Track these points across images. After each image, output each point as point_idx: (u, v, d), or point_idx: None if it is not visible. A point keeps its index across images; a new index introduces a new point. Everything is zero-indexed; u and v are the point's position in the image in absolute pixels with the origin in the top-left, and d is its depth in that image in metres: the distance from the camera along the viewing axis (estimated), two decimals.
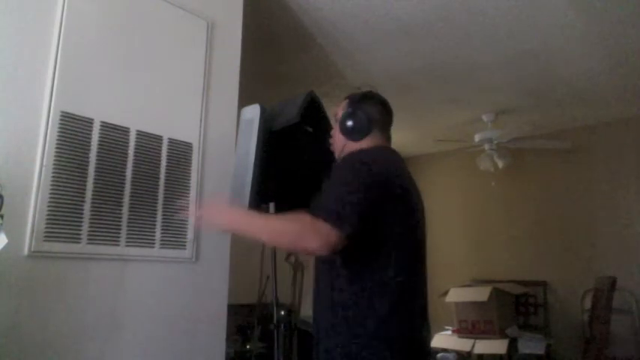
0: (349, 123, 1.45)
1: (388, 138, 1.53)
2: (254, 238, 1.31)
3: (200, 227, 1.68)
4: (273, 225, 1.30)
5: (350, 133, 1.46)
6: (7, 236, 1.26)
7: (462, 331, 3.97)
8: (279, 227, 1.27)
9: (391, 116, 1.54)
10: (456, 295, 4.06)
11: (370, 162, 1.31)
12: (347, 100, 1.52)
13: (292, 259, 4.23)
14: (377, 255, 1.26)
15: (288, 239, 1.25)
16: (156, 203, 1.86)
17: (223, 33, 2.23)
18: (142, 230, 1.81)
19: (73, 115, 1.67)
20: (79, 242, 1.63)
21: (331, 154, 1.57)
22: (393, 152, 1.45)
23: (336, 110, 1.55)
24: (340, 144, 1.49)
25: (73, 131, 1.66)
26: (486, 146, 4.39)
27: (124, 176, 1.78)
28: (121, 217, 1.75)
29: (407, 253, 1.30)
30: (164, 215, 1.88)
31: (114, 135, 1.77)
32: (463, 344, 3.87)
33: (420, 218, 1.38)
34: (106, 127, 1.75)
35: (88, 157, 1.68)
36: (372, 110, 1.48)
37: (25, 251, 1.52)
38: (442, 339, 4.10)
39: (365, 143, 1.44)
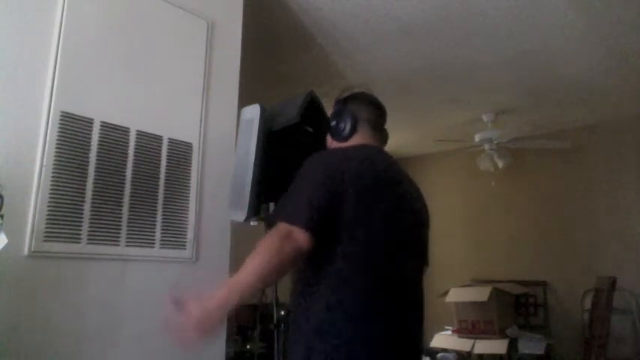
0: (332, 124, 1.45)
1: (380, 136, 1.49)
2: (255, 288, 1.22)
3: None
4: (253, 261, 1.18)
5: (334, 134, 1.45)
6: (7, 236, 1.26)
7: (462, 331, 3.97)
8: (257, 259, 1.17)
9: (383, 114, 1.51)
10: (456, 295, 4.06)
11: (325, 161, 1.29)
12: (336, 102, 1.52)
13: None
14: (329, 255, 1.21)
15: (271, 261, 1.15)
16: (156, 203, 1.86)
17: (223, 33, 2.23)
18: (142, 230, 1.81)
19: (73, 115, 1.67)
20: (79, 242, 1.63)
21: None
22: (372, 151, 1.39)
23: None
24: (329, 144, 1.49)
25: (73, 131, 1.66)
26: (486, 146, 4.39)
27: (124, 176, 1.78)
28: (121, 217, 1.75)
29: (367, 256, 1.23)
30: (164, 215, 1.88)
31: (114, 135, 1.77)
32: (463, 344, 3.86)
33: (400, 217, 1.31)
34: (106, 127, 1.75)
35: (88, 157, 1.68)
36: (359, 110, 1.45)
37: (25, 251, 1.52)
38: (442, 339, 4.10)
39: (350, 143, 1.42)
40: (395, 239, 1.28)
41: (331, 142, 1.48)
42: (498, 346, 3.66)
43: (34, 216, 1.54)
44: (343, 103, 1.48)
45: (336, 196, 1.20)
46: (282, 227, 1.16)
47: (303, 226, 1.14)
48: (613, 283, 3.28)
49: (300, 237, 1.14)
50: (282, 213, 1.21)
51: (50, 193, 1.58)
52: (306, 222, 1.15)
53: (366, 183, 1.26)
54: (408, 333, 1.28)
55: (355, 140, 1.43)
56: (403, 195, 1.36)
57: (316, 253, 1.19)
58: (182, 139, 1.98)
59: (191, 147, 2.01)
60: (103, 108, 1.76)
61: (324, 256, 1.21)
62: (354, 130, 1.43)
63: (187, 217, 1.95)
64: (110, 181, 1.74)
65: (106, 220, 1.71)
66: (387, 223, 1.26)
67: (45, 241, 1.55)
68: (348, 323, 1.18)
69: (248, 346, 3.68)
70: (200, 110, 2.07)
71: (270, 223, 1.24)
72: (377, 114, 1.50)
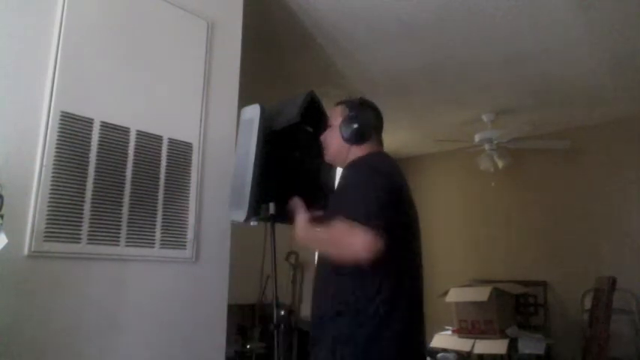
0: (354, 126, 1.47)
1: (381, 143, 1.56)
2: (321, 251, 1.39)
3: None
4: (326, 239, 1.33)
5: (354, 138, 1.47)
6: (7, 236, 1.26)
7: (462, 331, 3.97)
8: (329, 241, 1.31)
9: (382, 122, 1.57)
10: (456, 295, 4.05)
11: (386, 172, 1.36)
12: (342, 106, 1.54)
13: (292, 259, 4.23)
14: (384, 263, 1.25)
15: (338, 249, 1.26)
16: (156, 203, 1.86)
17: (223, 33, 2.23)
18: (142, 230, 1.81)
19: (73, 115, 1.67)
20: (79, 242, 1.63)
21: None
22: (394, 160, 1.49)
23: (330, 116, 1.56)
24: (341, 148, 1.51)
25: (73, 131, 1.66)
26: (486, 146, 4.39)
27: (124, 176, 1.78)
28: (121, 217, 1.75)
29: (407, 263, 1.35)
30: (164, 215, 1.88)
31: (114, 135, 1.77)
32: (463, 344, 3.86)
33: (417, 229, 1.42)
34: (106, 127, 1.75)
35: (88, 157, 1.68)
36: (370, 116, 1.51)
37: (25, 251, 1.52)
38: (442, 339, 4.09)
39: (367, 147, 1.47)
40: (416, 245, 1.39)
41: (344, 145, 1.50)
42: (498, 346, 3.66)
43: (34, 216, 1.54)
44: (359, 106, 1.51)
45: (395, 209, 1.28)
46: (360, 229, 1.18)
47: (381, 234, 1.18)
48: (613, 283, 3.28)
49: (375, 243, 1.17)
50: (361, 215, 1.22)
51: (50, 193, 1.58)
52: (384, 232, 1.18)
53: (406, 196, 1.37)
54: (420, 333, 1.37)
55: (370, 146, 1.48)
56: (414, 204, 1.44)
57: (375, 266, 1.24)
58: (182, 139, 1.98)
59: (191, 147, 2.01)
60: (103, 108, 1.76)
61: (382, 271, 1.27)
62: (370, 135, 1.49)
63: (187, 217, 1.95)
64: (110, 181, 1.74)
65: (106, 220, 1.71)
66: (412, 232, 1.38)
67: (45, 241, 1.55)
68: (374, 328, 1.25)
69: (248, 346, 3.68)
70: (200, 110, 2.07)
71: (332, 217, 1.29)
72: (381, 121, 1.56)
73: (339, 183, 1.45)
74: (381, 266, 1.24)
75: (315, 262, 1.48)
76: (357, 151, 1.47)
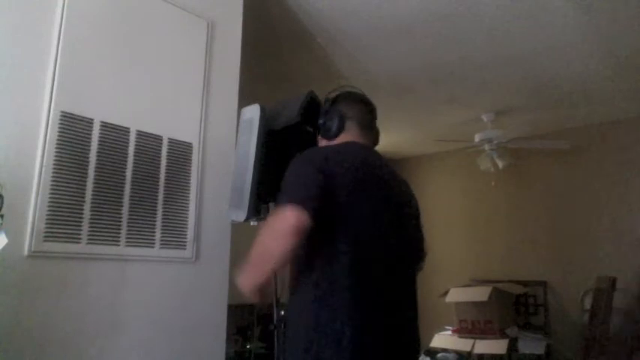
0: (320, 122, 1.48)
1: (370, 134, 1.50)
2: (263, 276, 1.25)
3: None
4: (254, 254, 1.22)
5: (323, 133, 1.48)
6: (7, 236, 1.26)
7: (462, 331, 3.97)
8: (258, 246, 1.21)
9: (372, 112, 1.52)
10: (456, 295, 4.06)
11: (318, 158, 1.29)
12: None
13: None
14: (320, 253, 1.22)
15: (269, 244, 1.18)
16: (156, 203, 1.86)
17: (223, 33, 2.23)
18: (142, 230, 1.81)
19: (73, 115, 1.67)
20: (79, 242, 1.63)
21: None
22: (353, 148, 1.40)
23: None
24: (320, 143, 1.51)
25: (73, 131, 1.66)
26: (486, 146, 4.39)
27: (124, 176, 1.78)
28: (121, 217, 1.75)
29: (359, 249, 1.24)
30: (164, 215, 1.88)
31: (114, 135, 1.77)
32: (463, 344, 3.86)
33: (381, 212, 1.31)
34: (106, 127, 1.75)
35: (88, 157, 1.68)
36: (347, 109, 1.47)
37: (25, 251, 1.52)
38: (442, 339, 4.09)
39: (338, 141, 1.45)
40: (378, 235, 1.28)
41: (320, 141, 1.51)
42: (498, 346, 3.66)
43: (34, 216, 1.54)
44: (331, 102, 1.50)
45: (325, 191, 1.21)
46: (282, 211, 1.15)
47: (306, 207, 1.14)
48: (613, 283, 3.28)
49: (301, 218, 1.12)
50: (282, 199, 1.19)
51: (50, 193, 1.58)
52: (304, 201, 1.15)
53: (344, 181, 1.26)
54: (398, 331, 1.27)
55: (342, 139, 1.45)
56: (384, 189, 1.36)
57: (309, 249, 1.21)
58: (182, 139, 1.98)
59: (191, 147, 2.01)
60: (103, 108, 1.76)
61: (315, 253, 1.23)
62: (341, 129, 1.45)
63: (187, 217, 1.95)
64: (110, 181, 1.74)
65: (106, 220, 1.71)
66: (367, 219, 1.27)
67: (45, 241, 1.55)
68: (337, 321, 1.18)
69: (248, 346, 3.68)
70: (200, 110, 2.07)
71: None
72: (365, 112, 1.51)
73: None
74: (316, 253, 1.22)
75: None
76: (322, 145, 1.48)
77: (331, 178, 1.23)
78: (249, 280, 1.24)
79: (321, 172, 1.23)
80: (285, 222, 1.14)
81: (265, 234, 1.19)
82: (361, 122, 1.48)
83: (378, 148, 1.55)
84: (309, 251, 1.23)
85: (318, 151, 1.39)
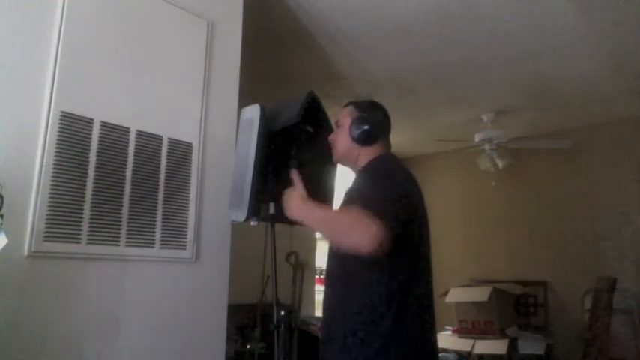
0: (364, 128, 1.46)
1: (389, 144, 1.56)
2: (316, 231, 1.36)
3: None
4: (328, 218, 1.32)
5: (363, 139, 1.47)
6: (7, 236, 1.26)
7: (462, 331, 3.97)
8: (332, 221, 1.29)
9: (390, 123, 1.57)
10: (456, 295, 4.06)
11: (399, 177, 1.36)
12: (351, 107, 1.54)
13: (292, 259, 4.23)
14: (395, 265, 1.27)
15: (341, 232, 1.24)
16: (156, 203, 1.86)
17: (223, 33, 2.23)
18: (142, 230, 1.81)
19: (73, 115, 1.67)
20: (79, 242, 1.63)
21: (331, 153, 1.58)
22: (404, 165, 1.48)
23: (338, 117, 1.56)
24: (350, 149, 1.50)
25: (73, 131, 1.66)
26: (486, 146, 4.39)
27: (124, 176, 1.78)
28: (121, 217, 1.75)
29: (418, 264, 1.34)
30: (164, 215, 1.88)
31: (114, 135, 1.77)
32: (463, 344, 3.86)
33: (427, 234, 1.40)
34: (106, 127, 1.75)
35: (88, 157, 1.68)
36: (380, 117, 1.51)
37: (25, 251, 1.52)
38: (442, 339, 4.09)
39: (376, 149, 1.47)
40: (425, 250, 1.38)
41: (353, 147, 1.49)
42: (498, 346, 3.66)
43: (34, 216, 1.54)
44: (369, 107, 1.51)
45: (407, 213, 1.26)
46: (370, 219, 1.14)
47: (392, 228, 1.15)
48: (613, 283, 3.28)
49: (382, 236, 1.13)
50: (372, 208, 1.17)
51: (50, 193, 1.58)
52: (395, 226, 1.17)
53: (420, 201, 1.36)
54: (433, 336, 1.35)
55: (379, 147, 1.48)
56: (425, 207, 1.42)
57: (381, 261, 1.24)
58: (182, 139, 1.98)
59: (191, 147, 2.01)
60: (103, 108, 1.76)
61: (388, 266, 1.27)
62: (379, 138, 1.49)
63: (187, 217, 1.95)
64: (110, 181, 1.74)
65: (106, 220, 1.71)
66: (422, 237, 1.36)
67: (45, 241, 1.55)
68: (388, 328, 1.24)
69: (248, 346, 3.67)
70: (200, 110, 2.07)
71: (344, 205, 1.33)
72: (389, 122, 1.56)
73: (353, 186, 1.45)
74: (393, 268, 1.26)
75: (326, 260, 1.47)
76: (367, 153, 1.47)
77: (413, 202, 1.32)
78: (306, 216, 1.35)
79: (410, 196, 1.31)
80: (366, 235, 1.13)
81: (353, 221, 1.19)
82: (388, 133, 1.54)
83: None
84: (382, 264, 1.26)
85: (404, 167, 1.44)
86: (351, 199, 1.37)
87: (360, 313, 1.27)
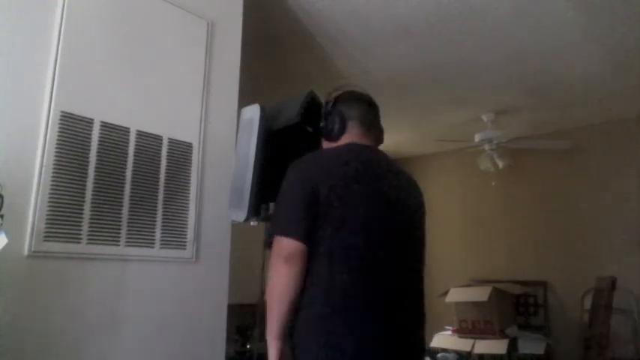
0: (322, 125, 1.47)
1: (373, 133, 1.49)
2: (282, 317, 1.24)
3: None
4: (268, 296, 1.26)
5: (325, 135, 1.48)
6: (7, 236, 1.26)
7: (462, 331, 3.97)
8: (270, 289, 1.25)
9: (374, 111, 1.51)
10: (456, 295, 4.06)
11: (297, 169, 1.33)
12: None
13: None
14: (315, 259, 1.24)
15: (277, 283, 1.23)
16: (156, 203, 1.86)
17: (223, 33, 2.23)
18: (142, 230, 1.81)
19: (73, 115, 1.67)
20: (79, 242, 1.63)
21: None
22: (354, 149, 1.39)
23: None
24: (324, 145, 1.50)
25: (73, 131, 1.66)
26: (486, 146, 4.39)
27: (124, 176, 1.78)
28: (121, 217, 1.75)
29: (343, 257, 1.24)
30: (164, 215, 1.88)
31: (114, 135, 1.77)
32: (463, 344, 3.86)
33: (377, 217, 1.30)
34: (106, 127, 1.75)
35: (88, 157, 1.68)
36: (348, 109, 1.46)
37: (25, 251, 1.52)
38: (442, 339, 4.10)
39: (341, 142, 1.44)
40: (376, 238, 1.28)
41: (324, 143, 1.50)
42: (498, 346, 3.66)
43: (34, 216, 1.54)
44: (332, 103, 1.49)
45: (313, 204, 1.25)
46: (277, 243, 1.23)
47: (297, 236, 1.22)
48: (613, 283, 3.28)
49: (291, 248, 1.21)
50: (276, 227, 1.27)
51: (50, 193, 1.58)
52: (299, 232, 1.22)
53: (337, 182, 1.28)
54: (397, 334, 1.25)
55: (345, 140, 1.44)
56: (383, 189, 1.34)
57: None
58: (182, 139, 1.98)
59: (191, 147, 2.01)
60: (103, 108, 1.76)
61: (310, 255, 1.25)
62: (343, 130, 1.45)
63: (187, 217, 1.95)
64: (110, 181, 1.74)
65: (106, 220, 1.71)
66: (363, 220, 1.27)
67: (45, 241, 1.55)
68: (333, 323, 1.20)
69: (248, 346, 3.68)
70: (200, 110, 2.07)
71: (267, 242, 1.32)
72: (367, 111, 1.50)
73: None
74: (311, 263, 1.24)
75: None
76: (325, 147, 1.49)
77: (321, 187, 1.26)
78: (271, 325, 1.24)
79: (309, 185, 1.27)
80: (282, 256, 1.22)
81: (272, 275, 1.25)
82: (364, 122, 1.46)
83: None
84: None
85: (305, 161, 1.37)
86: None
87: (300, 305, 1.25)
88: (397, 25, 2.89)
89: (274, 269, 1.24)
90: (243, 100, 2.01)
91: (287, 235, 1.23)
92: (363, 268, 1.24)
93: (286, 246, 1.22)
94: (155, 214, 1.85)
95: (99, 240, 1.68)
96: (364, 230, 1.27)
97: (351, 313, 1.21)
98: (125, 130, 1.80)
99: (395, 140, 5.22)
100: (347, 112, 1.46)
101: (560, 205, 4.70)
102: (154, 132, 1.89)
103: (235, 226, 1.98)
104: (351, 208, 1.27)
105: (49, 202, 1.58)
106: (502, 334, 3.75)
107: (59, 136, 1.63)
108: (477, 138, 4.36)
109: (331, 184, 1.27)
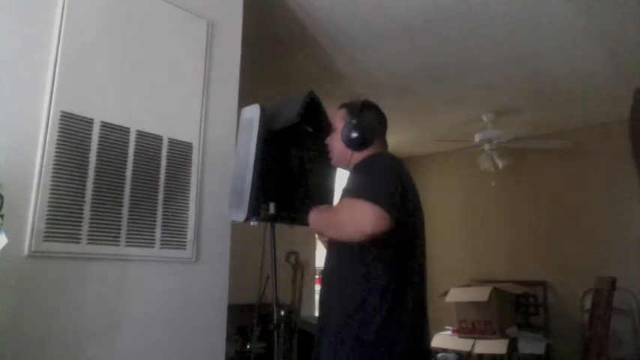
0: (354, 135, 1.46)
1: (385, 144, 1.55)
2: (328, 234, 1.41)
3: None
4: (329, 216, 1.38)
5: (355, 145, 1.47)
6: (7, 236, 1.26)
7: (462, 331, 3.97)
8: (332, 216, 1.36)
9: (386, 123, 1.56)
10: (456, 295, 4.06)
11: (392, 169, 1.37)
12: (345, 110, 1.53)
13: (292, 259, 4.23)
14: (391, 254, 1.29)
15: (342, 222, 1.28)
16: (156, 203, 1.86)
17: (223, 33, 2.23)
18: (142, 230, 1.81)
19: (73, 115, 1.67)
20: (79, 242, 1.63)
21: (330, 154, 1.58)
22: (400, 160, 1.48)
23: (333, 119, 1.56)
24: (344, 153, 1.51)
25: (73, 131, 1.66)
26: (486, 146, 4.39)
27: (124, 176, 1.78)
28: (121, 217, 1.75)
29: (414, 260, 1.35)
30: (164, 215, 1.88)
31: (114, 135, 1.77)
32: (463, 344, 3.86)
33: (420, 226, 1.41)
34: (106, 127, 1.75)
35: (88, 157, 1.68)
36: (372, 119, 1.50)
37: (25, 251, 1.52)
38: (442, 339, 4.10)
39: (370, 151, 1.47)
40: (421, 245, 1.39)
41: (347, 151, 1.50)
42: (498, 346, 3.66)
43: (34, 216, 1.54)
44: (360, 112, 1.49)
45: (402, 204, 1.27)
46: (368, 205, 1.19)
47: (392, 213, 1.19)
48: (613, 283, 3.27)
49: (383, 220, 1.17)
50: (370, 196, 1.22)
51: (50, 193, 1.58)
52: (394, 211, 1.20)
53: (412, 197, 1.36)
54: (424, 331, 1.36)
55: (373, 149, 1.48)
56: (420, 203, 1.43)
57: (377, 256, 1.28)
58: (182, 139, 1.98)
59: (191, 147, 2.01)
60: (103, 108, 1.76)
61: (385, 264, 1.29)
62: (372, 141, 1.48)
63: (187, 217, 1.95)
64: (110, 181, 1.74)
65: (106, 220, 1.71)
66: (417, 233, 1.38)
67: (45, 241, 1.55)
68: (381, 320, 1.25)
69: (248, 346, 3.67)
70: (200, 110, 2.07)
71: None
72: (384, 122, 1.55)
73: (346, 183, 1.45)
74: (388, 261, 1.27)
75: (325, 255, 1.49)
76: (360, 155, 1.48)
77: (407, 191, 1.32)
78: (316, 224, 1.43)
79: (400, 182, 1.31)
80: (366, 218, 1.18)
81: (349, 212, 1.26)
82: (381, 132, 1.53)
83: None
84: (377, 257, 1.28)
85: (397, 163, 1.42)
86: (344, 194, 1.38)
87: (353, 306, 1.27)
88: (397, 25, 2.89)
89: (354, 213, 1.23)
90: (243, 100, 2.01)
91: (381, 205, 1.18)
92: (420, 286, 1.35)
93: (379, 212, 1.17)
94: (155, 214, 1.85)
95: (99, 240, 1.68)
96: (419, 246, 1.39)
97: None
98: (125, 130, 1.80)
99: (395, 140, 5.22)
100: (375, 123, 1.51)
101: (560, 205, 4.70)
102: (153, 132, 1.89)
103: (235, 226, 1.98)
104: (417, 222, 1.38)
105: (49, 202, 1.58)
106: (502, 334, 3.76)
107: (59, 136, 1.63)
108: (477, 138, 4.36)
109: (413, 192, 1.36)
